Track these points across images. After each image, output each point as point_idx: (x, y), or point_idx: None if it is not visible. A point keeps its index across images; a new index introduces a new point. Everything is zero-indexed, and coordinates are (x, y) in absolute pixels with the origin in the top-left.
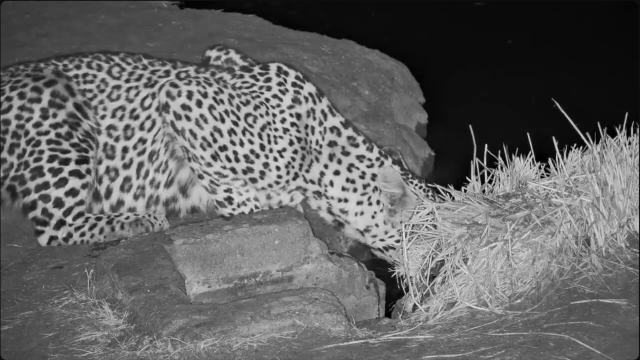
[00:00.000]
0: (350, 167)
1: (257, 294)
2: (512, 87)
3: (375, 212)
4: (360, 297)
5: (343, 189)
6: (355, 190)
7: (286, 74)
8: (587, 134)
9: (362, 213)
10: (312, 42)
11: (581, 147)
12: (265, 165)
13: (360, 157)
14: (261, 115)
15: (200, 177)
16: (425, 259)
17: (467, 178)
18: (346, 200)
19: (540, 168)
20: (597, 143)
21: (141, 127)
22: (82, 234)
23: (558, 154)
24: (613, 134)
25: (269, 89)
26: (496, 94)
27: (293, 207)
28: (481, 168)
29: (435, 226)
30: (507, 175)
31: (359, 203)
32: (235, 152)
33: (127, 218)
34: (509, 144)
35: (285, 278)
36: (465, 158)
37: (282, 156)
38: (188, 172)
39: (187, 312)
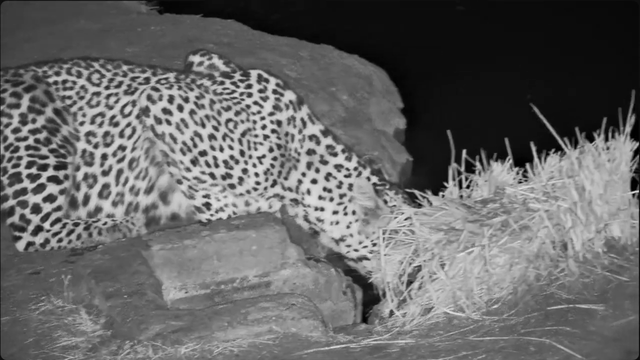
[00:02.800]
0: (327, 176)
1: (234, 300)
2: (491, 92)
3: (350, 222)
4: (337, 302)
5: (320, 197)
6: (331, 199)
7: (267, 81)
8: (565, 139)
9: (337, 222)
10: (291, 47)
11: (559, 152)
12: (244, 171)
13: (338, 167)
14: (242, 121)
15: (179, 182)
16: (403, 265)
17: (445, 183)
18: (322, 209)
19: (518, 173)
20: (576, 148)
21: (121, 134)
22: (60, 240)
23: (536, 159)
24: (592, 139)
25: (249, 95)
26: (475, 99)
27: (272, 212)
28: (459, 173)
29: (412, 231)
30: (485, 181)
31: (335, 212)
32: (214, 158)
33: (105, 224)
34: (487, 149)
35: (262, 284)
36: (443, 163)
37: (261, 163)
38: (168, 179)
39: (164, 318)
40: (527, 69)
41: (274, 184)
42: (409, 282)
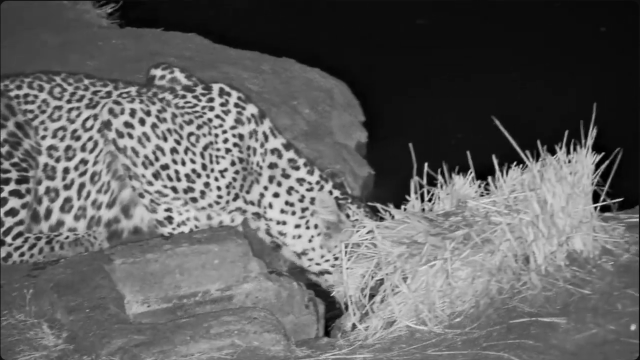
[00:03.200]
0: (290, 190)
1: (197, 314)
2: (452, 106)
3: (312, 236)
4: (299, 316)
5: (282, 211)
6: (293, 213)
7: (228, 94)
8: (527, 152)
9: (299, 236)
10: (253, 60)
11: (521, 165)
12: (206, 185)
13: (300, 180)
14: (204, 135)
15: (141, 195)
16: (365, 278)
17: (407, 197)
18: (284, 223)
19: (480, 186)
20: (537, 161)
21: (83, 148)
22: (22, 254)
23: (498, 172)
24: (554, 152)
25: (211, 109)
26: (436, 113)
27: (233, 226)
28: (421, 186)
29: (374, 245)
30: (447, 194)
31: (297, 226)
32: (176, 171)
33: (67, 238)
34: (449, 162)
35: (224, 297)
36: (405, 177)
37: (223, 176)
38: (130, 192)
39: (126, 332)
40: (489, 83)
41: (236, 197)
42: (371, 296)
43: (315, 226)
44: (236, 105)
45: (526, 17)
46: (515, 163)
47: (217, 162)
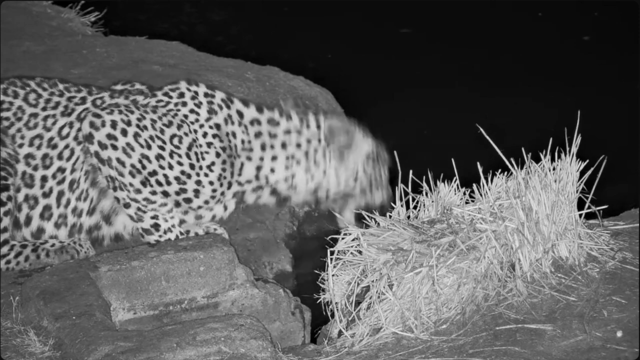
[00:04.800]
0: (284, 145)
1: (183, 321)
2: (437, 113)
3: (325, 169)
4: (285, 323)
5: (286, 167)
6: (298, 162)
7: (197, 84)
8: (512, 159)
9: (312, 177)
10: (237, 68)
11: (506, 173)
12: (198, 182)
13: (286, 132)
14: (185, 134)
15: (127, 205)
16: (351, 285)
17: (392, 204)
18: (294, 176)
19: (465, 194)
20: (522, 169)
21: (59, 156)
22: (8, 262)
23: (483, 180)
24: (539, 160)
25: (184, 104)
26: (421, 121)
27: (219, 233)
28: (406, 194)
29: (360, 252)
30: (432, 201)
31: (307, 170)
32: (165, 176)
33: (53, 245)
34: (434, 170)
35: (210, 304)
36: (390, 184)
37: (212, 170)
38: (111, 202)
39: (113, 339)
40: (474, 91)
41: (230, 185)
42: (358, 303)
43: (324, 156)
44: (205, 95)
45: (514, 26)
46: (500, 170)
47: (203, 158)
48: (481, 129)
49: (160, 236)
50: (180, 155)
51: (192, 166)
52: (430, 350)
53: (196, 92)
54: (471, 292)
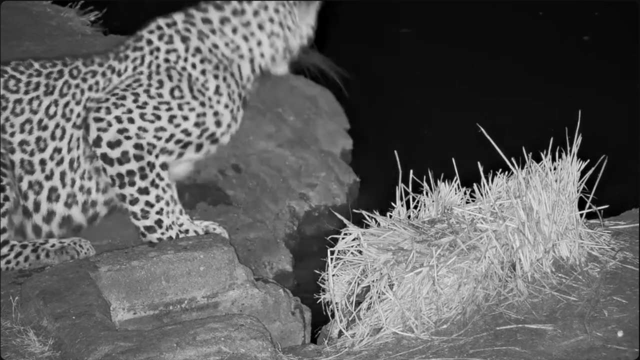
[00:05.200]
0: (260, 27)
1: (183, 321)
2: (438, 113)
3: (299, 28)
4: (285, 323)
5: (271, 46)
6: (278, 35)
7: (155, 22)
8: (513, 159)
9: (293, 41)
10: None
11: (507, 173)
12: (216, 114)
13: (255, 13)
14: (179, 80)
15: (134, 202)
16: (351, 285)
17: (393, 204)
18: (277, 50)
19: (465, 194)
20: (523, 168)
21: (52, 137)
22: (8, 262)
23: (483, 179)
24: (540, 159)
25: (157, 49)
26: (421, 120)
27: (219, 233)
28: (406, 194)
29: (360, 252)
30: (433, 201)
31: (286, 39)
32: (184, 131)
33: (53, 246)
34: (434, 169)
35: (210, 304)
36: (390, 184)
37: (220, 93)
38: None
39: (113, 339)
40: (475, 90)
41: (240, 86)
42: (358, 303)
43: (295, 17)
44: (168, 25)
45: (514, 25)
46: (500, 170)
47: (207, 89)
48: (482, 129)
49: (162, 234)
50: (188, 102)
51: (202, 104)
52: (430, 350)
53: (160, 28)
54: (472, 292)
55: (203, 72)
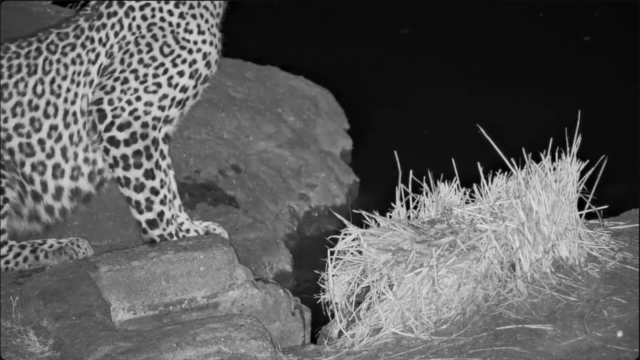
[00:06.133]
0: None
1: (183, 321)
2: (437, 113)
3: None
4: (285, 323)
5: None
6: None
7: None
8: (512, 159)
9: None
10: (236, 68)
11: (506, 173)
12: (204, 55)
13: None
14: (163, 36)
15: (139, 188)
16: (351, 285)
17: (392, 204)
18: None
19: (465, 194)
20: (522, 168)
21: (46, 115)
22: (7, 262)
23: (483, 180)
24: (539, 159)
25: (131, 8)
26: (421, 120)
27: (219, 233)
28: (406, 194)
29: (360, 252)
30: (432, 201)
31: None
32: (182, 87)
33: (51, 246)
34: (434, 169)
35: (210, 305)
36: (390, 184)
37: (202, 32)
38: None
39: (113, 339)
40: (474, 91)
41: (217, 23)
42: (358, 303)
43: None
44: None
45: (514, 25)
46: (500, 170)
47: (189, 31)
48: (481, 129)
49: (163, 229)
50: (179, 55)
51: (190, 51)
52: (430, 350)
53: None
54: (471, 292)
55: (181, 15)
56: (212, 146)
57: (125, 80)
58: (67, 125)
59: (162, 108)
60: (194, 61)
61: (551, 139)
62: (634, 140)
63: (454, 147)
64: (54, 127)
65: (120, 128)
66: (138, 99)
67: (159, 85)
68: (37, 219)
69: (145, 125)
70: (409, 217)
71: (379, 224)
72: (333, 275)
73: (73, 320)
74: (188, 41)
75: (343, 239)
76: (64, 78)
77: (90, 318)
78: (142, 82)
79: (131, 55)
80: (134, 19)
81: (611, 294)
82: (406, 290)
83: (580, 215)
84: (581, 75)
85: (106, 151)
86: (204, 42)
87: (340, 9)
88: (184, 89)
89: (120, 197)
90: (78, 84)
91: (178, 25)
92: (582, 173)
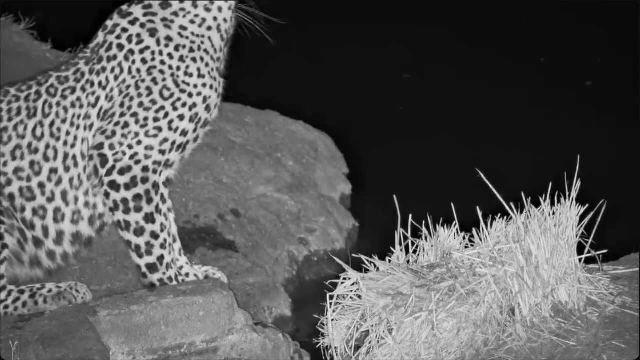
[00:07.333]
0: None
1: None
2: (437, 158)
3: None
4: None
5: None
6: None
7: (115, 22)
8: (512, 204)
9: None
10: (236, 113)
11: (506, 217)
12: (204, 99)
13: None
14: (163, 79)
15: (139, 232)
16: (350, 330)
17: (392, 248)
18: None
19: (464, 238)
20: (522, 213)
21: (45, 158)
22: (6, 307)
23: (482, 224)
24: (538, 204)
25: (131, 52)
26: (420, 165)
27: (218, 277)
28: (405, 238)
29: (359, 297)
30: (432, 246)
31: None
32: (183, 131)
33: (50, 291)
34: (433, 214)
35: (210, 349)
36: (389, 228)
37: (202, 75)
38: None
39: None
40: (473, 135)
41: (218, 67)
42: (357, 347)
43: None
44: (131, 23)
45: (515, 67)
46: (499, 215)
47: (189, 75)
48: (480, 173)
49: (163, 273)
50: (178, 99)
51: (190, 95)
52: None
53: (125, 30)
54: (471, 336)
55: (181, 58)
56: (211, 190)
57: (126, 125)
58: (67, 169)
59: (162, 152)
60: (194, 104)
61: (550, 183)
62: (633, 185)
63: (454, 192)
64: (53, 170)
65: (121, 172)
66: (139, 143)
67: (159, 129)
68: (39, 264)
69: (145, 169)
70: (408, 261)
71: (378, 269)
72: (332, 320)
73: None
74: (188, 84)
75: (342, 283)
76: (64, 121)
77: None
78: (142, 126)
79: (131, 98)
80: (133, 62)
81: (610, 338)
82: (405, 334)
83: (580, 260)
84: (581, 119)
85: (107, 195)
86: (204, 85)
87: (341, 53)
88: (184, 133)
89: (120, 242)
90: (78, 127)
91: (178, 68)
92: (582, 217)
